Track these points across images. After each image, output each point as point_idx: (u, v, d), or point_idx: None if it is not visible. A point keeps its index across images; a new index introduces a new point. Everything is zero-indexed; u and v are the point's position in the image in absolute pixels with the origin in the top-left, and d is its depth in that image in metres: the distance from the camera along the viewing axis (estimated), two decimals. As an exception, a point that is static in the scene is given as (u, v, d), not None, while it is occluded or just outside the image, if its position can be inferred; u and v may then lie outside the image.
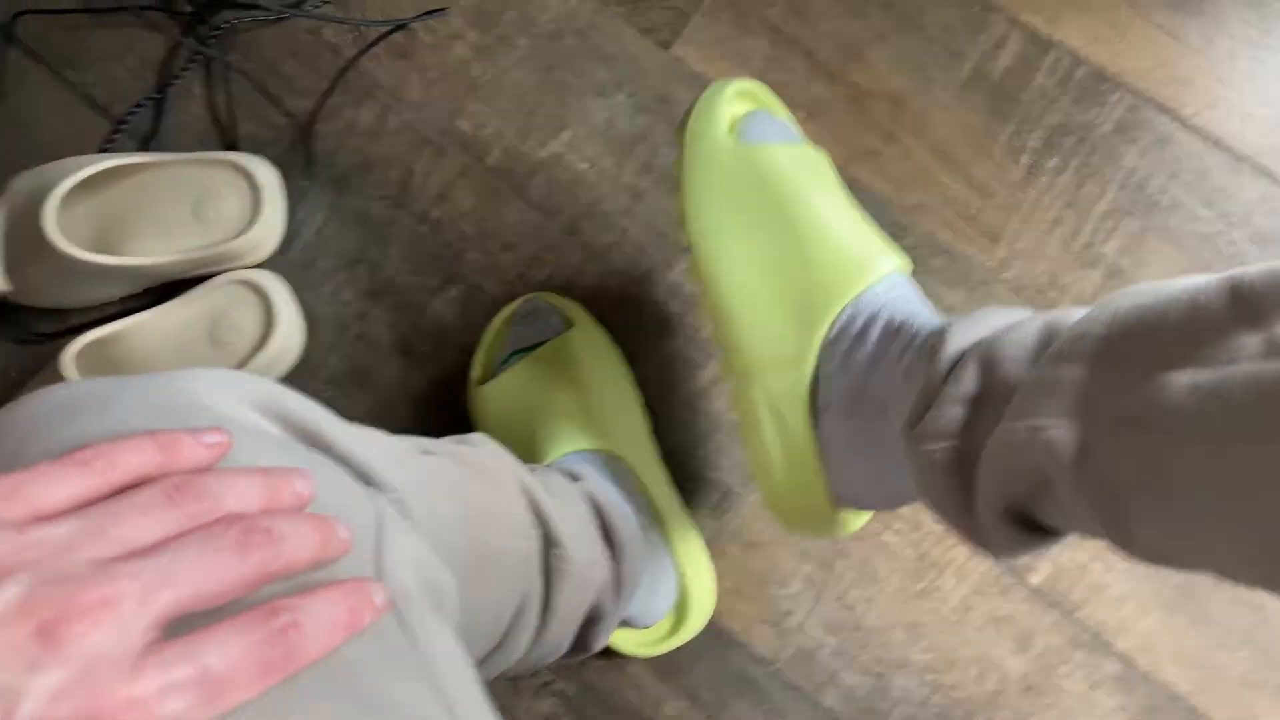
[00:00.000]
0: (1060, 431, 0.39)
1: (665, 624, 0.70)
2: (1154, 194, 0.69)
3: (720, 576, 0.73)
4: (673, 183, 0.60)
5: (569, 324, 0.74)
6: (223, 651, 0.25)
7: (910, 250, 0.68)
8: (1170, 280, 0.39)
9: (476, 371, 0.75)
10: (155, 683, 0.24)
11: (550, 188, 0.79)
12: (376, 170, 0.83)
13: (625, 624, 0.67)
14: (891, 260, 0.55)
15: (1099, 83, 0.70)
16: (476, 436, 0.55)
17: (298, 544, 0.28)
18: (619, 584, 0.59)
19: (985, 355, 0.44)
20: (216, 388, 0.34)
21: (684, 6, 0.78)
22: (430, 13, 0.81)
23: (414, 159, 0.82)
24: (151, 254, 0.72)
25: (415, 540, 0.35)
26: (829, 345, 0.55)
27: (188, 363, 0.72)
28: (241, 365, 0.72)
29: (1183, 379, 0.36)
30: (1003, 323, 0.46)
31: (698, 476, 0.74)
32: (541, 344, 0.73)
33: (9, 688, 0.22)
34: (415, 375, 0.80)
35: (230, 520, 0.27)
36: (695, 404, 0.75)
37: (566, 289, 0.78)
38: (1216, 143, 0.68)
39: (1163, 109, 0.69)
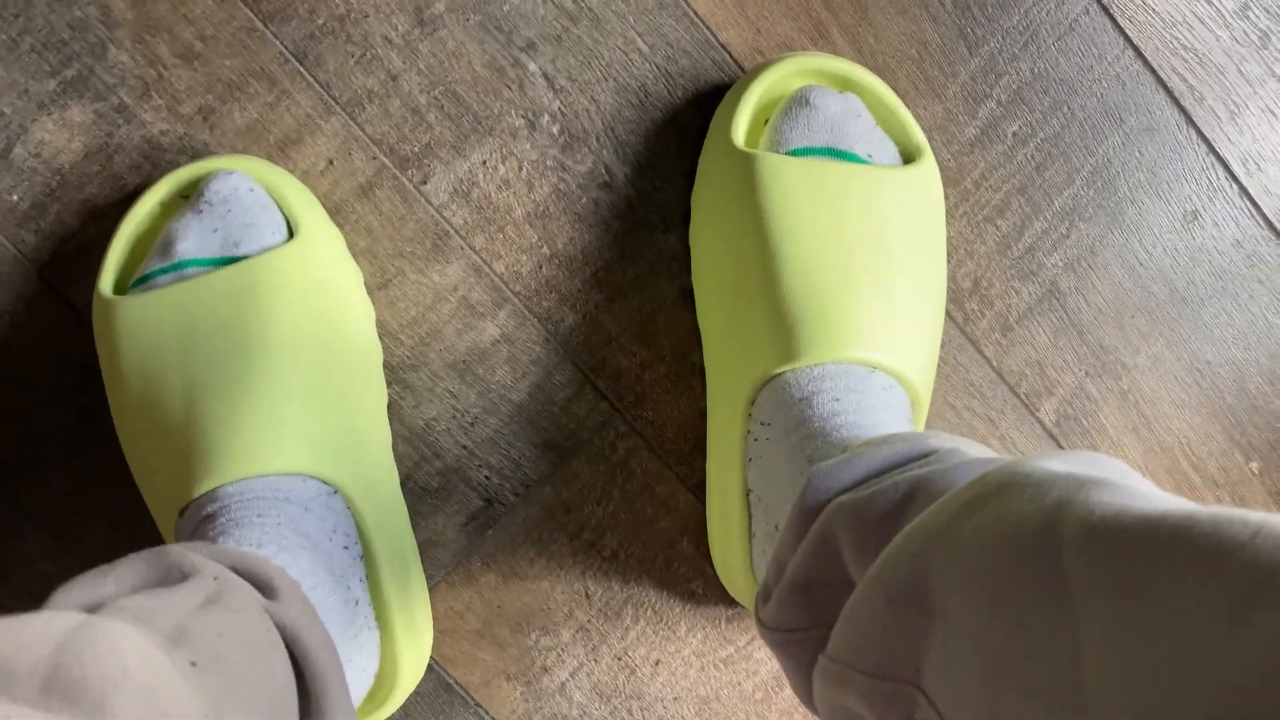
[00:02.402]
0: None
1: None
2: (1122, 197, 0.52)
3: (463, 613, 0.51)
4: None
5: (290, 228, 0.45)
6: None
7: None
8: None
9: (107, 271, 0.45)
10: None
11: (276, -27, 0.47)
12: None
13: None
14: (834, 349, 0.42)
15: (1102, 31, 0.50)
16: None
17: None
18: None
19: (826, 527, 0.35)
20: None
21: None
22: None
23: None
24: None
25: None
26: (752, 419, 0.45)
27: None
28: None
29: None
30: (880, 461, 0.36)
31: (454, 473, 0.51)
32: (234, 259, 0.44)
33: None
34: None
35: None
36: (470, 368, 0.50)
37: (282, 154, 0.48)
38: (1244, 192, 0.52)
39: (1175, 102, 0.51)
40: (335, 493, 0.44)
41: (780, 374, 0.43)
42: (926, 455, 0.36)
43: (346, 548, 0.44)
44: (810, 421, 0.42)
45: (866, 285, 0.43)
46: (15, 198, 0.47)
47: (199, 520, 0.41)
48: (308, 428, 0.42)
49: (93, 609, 0.30)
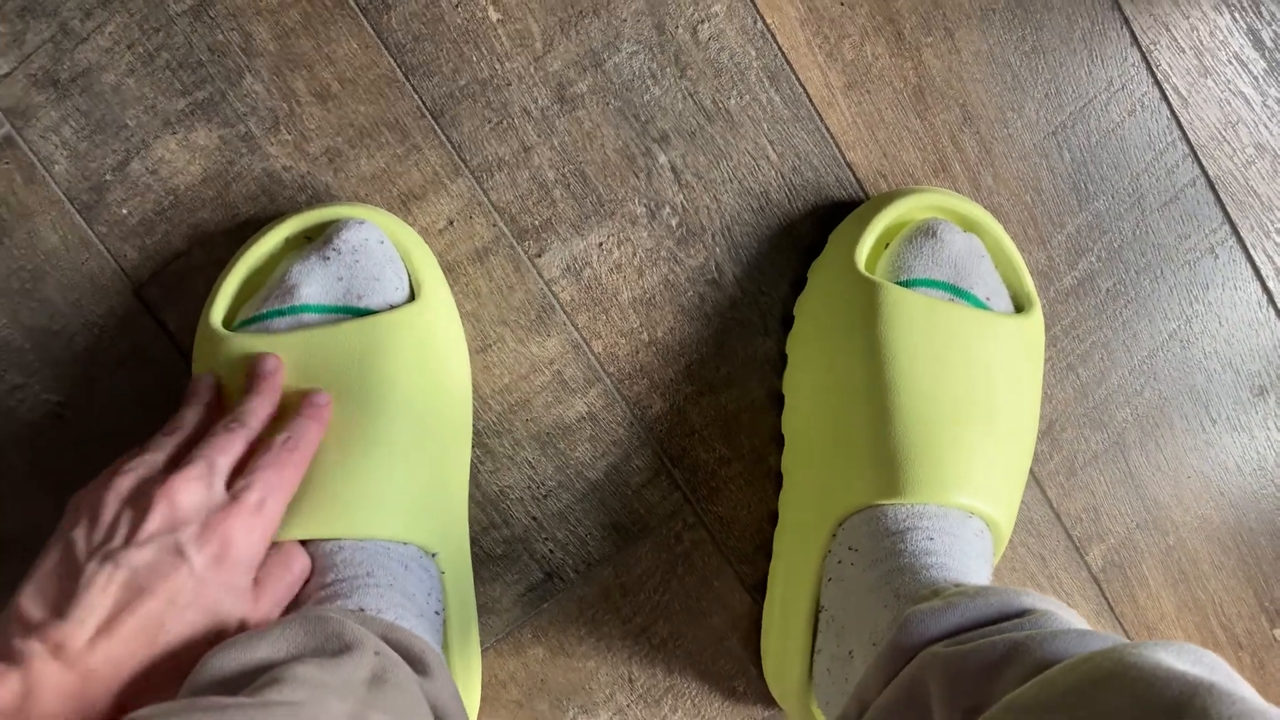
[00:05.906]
0: None
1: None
2: (1196, 364, 0.54)
3: (506, 682, 0.51)
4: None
5: (412, 285, 0.45)
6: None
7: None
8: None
9: (220, 301, 0.45)
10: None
11: (423, 26, 0.47)
12: None
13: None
14: (939, 492, 0.43)
15: (1204, 204, 0.52)
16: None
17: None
18: None
19: (918, 674, 0.35)
20: None
21: None
22: None
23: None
24: None
25: None
26: (838, 540, 0.46)
27: None
28: None
29: None
30: (976, 614, 0.37)
31: (520, 543, 0.51)
32: (355, 310, 0.44)
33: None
34: (97, 260, 0.47)
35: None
36: (553, 441, 0.50)
37: (403, 207, 0.48)
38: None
39: (1260, 280, 0.53)
40: (433, 556, 0.44)
41: (878, 505, 0.44)
42: (1020, 614, 0.37)
43: (438, 612, 0.43)
44: (901, 556, 0.42)
45: (975, 430, 0.44)
46: (125, 211, 0.46)
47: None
48: (412, 494, 0.42)
49: (254, 671, 0.30)
